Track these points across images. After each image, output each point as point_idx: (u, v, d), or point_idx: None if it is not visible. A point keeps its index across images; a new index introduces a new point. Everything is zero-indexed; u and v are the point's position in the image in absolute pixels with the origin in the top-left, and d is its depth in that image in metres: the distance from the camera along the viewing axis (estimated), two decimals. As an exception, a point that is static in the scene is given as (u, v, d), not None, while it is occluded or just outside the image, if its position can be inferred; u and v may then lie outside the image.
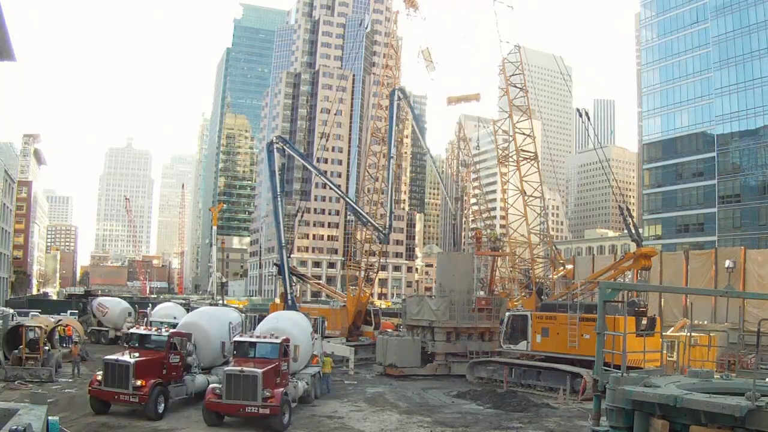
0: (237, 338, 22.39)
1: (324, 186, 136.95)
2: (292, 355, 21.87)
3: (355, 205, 42.70)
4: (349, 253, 65.13)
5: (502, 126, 38.79)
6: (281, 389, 19.78)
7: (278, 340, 21.24)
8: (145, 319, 35.87)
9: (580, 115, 36.37)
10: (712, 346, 21.52)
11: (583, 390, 25.61)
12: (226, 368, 20.25)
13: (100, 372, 20.69)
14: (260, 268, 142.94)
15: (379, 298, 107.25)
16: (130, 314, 45.19)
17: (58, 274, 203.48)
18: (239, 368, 19.63)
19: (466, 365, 32.30)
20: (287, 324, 24.53)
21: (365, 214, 40.70)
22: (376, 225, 40.47)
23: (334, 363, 35.90)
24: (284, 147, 40.11)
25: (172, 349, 21.73)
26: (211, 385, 20.54)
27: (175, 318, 29.44)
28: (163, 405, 20.54)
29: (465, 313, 35.00)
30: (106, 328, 44.71)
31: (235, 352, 21.65)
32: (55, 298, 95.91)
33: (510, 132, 35.99)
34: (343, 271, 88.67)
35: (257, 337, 22.14)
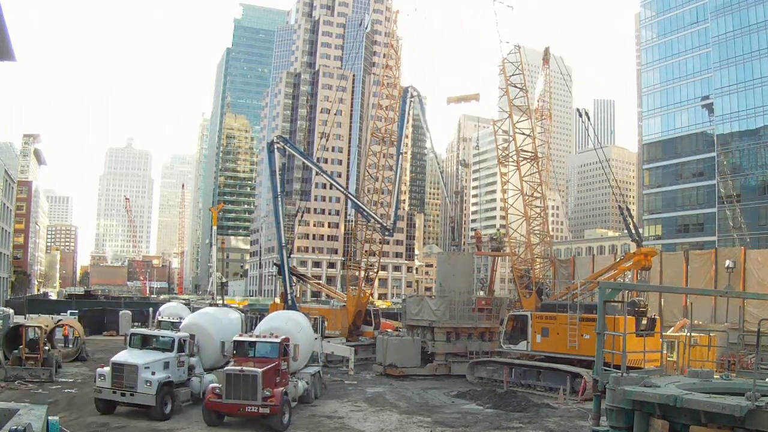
0: (236, 338, 22.38)
1: (324, 186, 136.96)
2: (292, 355, 21.88)
3: (357, 201, 42.37)
4: (349, 253, 65.00)
5: (502, 126, 38.75)
6: (281, 389, 19.78)
7: (278, 340, 21.21)
8: (155, 318, 35.57)
9: (580, 115, 36.37)
10: (712, 346, 21.52)
11: (583, 390, 25.60)
12: (226, 368, 20.26)
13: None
14: (260, 268, 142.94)
15: (379, 298, 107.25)
16: None
17: (58, 274, 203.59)
18: (239, 368, 19.62)
19: (466, 365, 32.27)
20: (287, 323, 24.54)
21: (368, 210, 40.61)
22: (380, 220, 40.43)
23: (335, 363, 36.03)
24: (285, 147, 40.12)
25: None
26: (211, 385, 20.53)
27: (180, 318, 29.43)
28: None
29: (465, 313, 34.97)
30: None
31: (234, 351, 21.65)
32: (55, 298, 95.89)
33: (510, 132, 35.95)
34: (343, 271, 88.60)
35: (257, 336, 22.12)
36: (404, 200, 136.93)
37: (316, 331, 28.35)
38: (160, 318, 31.60)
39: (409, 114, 45.66)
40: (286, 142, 41.58)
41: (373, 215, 40.39)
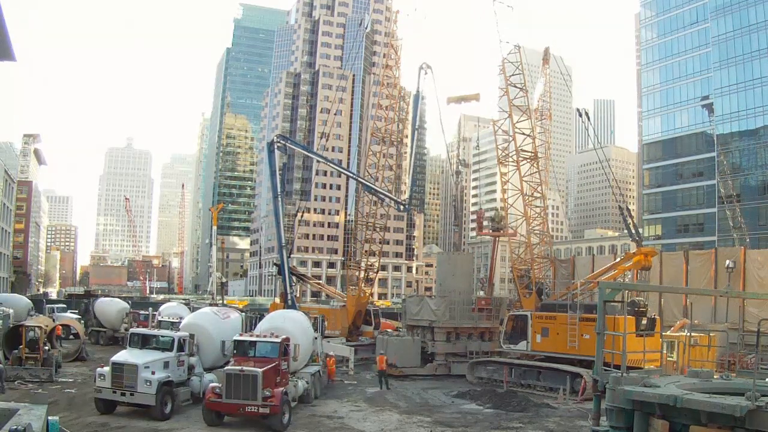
0: (237, 337, 22.37)
1: (324, 186, 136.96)
2: (293, 354, 21.88)
3: (368, 183, 41.78)
4: (349, 253, 64.95)
5: (502, 126, 38.74)
6: (281, 389, 19.78)
7: (278, 340, 21.20)
8: (155, 318, 35.60)
9: (580, 115, 36.34)
10: (712, 346, 21.52)
11: (583, 390, 25.60)
12: (227, 368, 20.27)
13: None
14: (260, 268, 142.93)
15: (379, 298, 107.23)
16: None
17: (58, 274, 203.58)
18: (239, 367, 19.62)
19: (466, 365, 32.28)
20: (288, 323, 24.55)
21: (379, 189, 40.46)
22: (394, 197, 40.36)
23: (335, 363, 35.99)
24: (286, 144, 40.09)
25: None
26: (211, 385, 20.53)
27: (180, 318, 29.45)
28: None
29: (465, 313, 34.98)
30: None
31: (235, 351, 21.64)
32: (55, 298, 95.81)
33: (510, 132, 35.94)
34: (343, 271, 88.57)
35: (257, 336, 22.12)
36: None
37: (317, 331, 28.34)
38: (159, 318, 31.58)
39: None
40: (287, 139, 41.59)
41: (387, 194, 40.30)
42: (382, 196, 40.32)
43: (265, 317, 27.53)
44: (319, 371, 26.03)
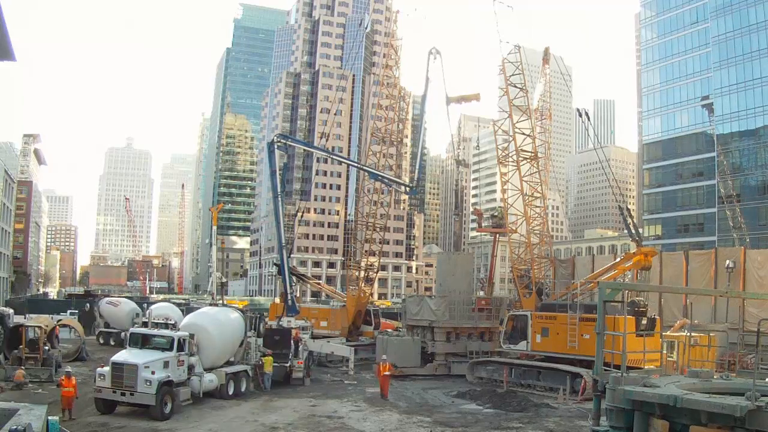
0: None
1: (324, 186, 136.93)
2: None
3: (373, 170, 41.51)
4: (349, 253, 64.94)
5: (502, 126, 38.71)
6: None
7: None
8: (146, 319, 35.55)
9: (580, 115, 36.28)
10: (711, 346, 21.52)
11: (583, 390, 25.60)
12: None
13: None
14: (260, 268, 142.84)
15: (379, 298, 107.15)
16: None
17: (58, 274, 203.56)
18: None
19: (466, 365, 32.28)
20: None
21: (387, 175, 40.46)
22: (401, 181, 40.39)
23: (335, 363, 36.04)
24: (286, 143, 40.13)
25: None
26: None
27: (167, 318, 29.36)
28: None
29: (465, 313, 34.99)
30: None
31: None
32: (55, 298, 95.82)
33: (510, 132, 35.92)
34: (343, 271, 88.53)
35: None
36: (404, 200, 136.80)
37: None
38: (146, 319, 31.40)
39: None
40: (287, 138, 41.65)
41: (394, 178, 40.40)
42: (388, 181, 40.27)
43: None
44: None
